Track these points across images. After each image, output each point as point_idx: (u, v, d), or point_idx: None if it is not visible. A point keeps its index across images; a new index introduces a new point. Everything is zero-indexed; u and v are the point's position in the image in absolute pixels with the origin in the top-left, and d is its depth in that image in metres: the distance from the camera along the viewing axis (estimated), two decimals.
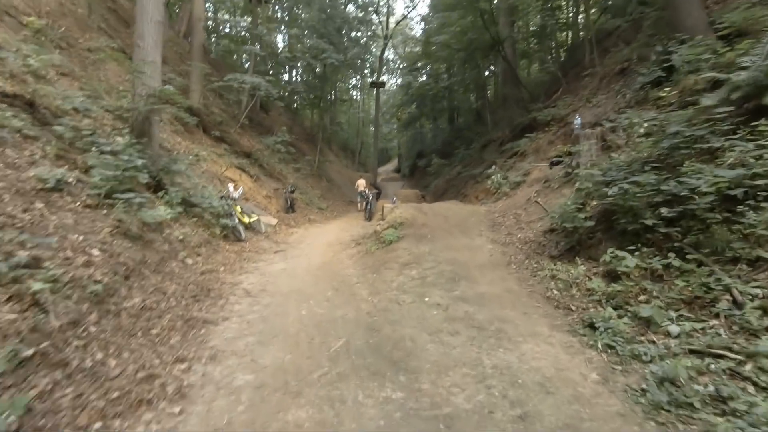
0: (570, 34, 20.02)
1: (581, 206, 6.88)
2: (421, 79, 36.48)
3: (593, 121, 10.05)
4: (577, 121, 9.24)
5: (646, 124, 6.36)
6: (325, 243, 10.28)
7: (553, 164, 9.89)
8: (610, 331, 4.21)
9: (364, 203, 16.18)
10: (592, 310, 4.81)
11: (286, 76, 32.84)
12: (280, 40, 34.31)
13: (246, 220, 9.94)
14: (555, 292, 5.48)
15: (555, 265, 6.19)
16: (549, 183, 9.09)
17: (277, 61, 25.23)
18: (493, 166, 10.88)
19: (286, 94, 30.68)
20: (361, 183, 16.37)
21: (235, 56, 30.71)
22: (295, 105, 36.43)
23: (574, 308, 4.96)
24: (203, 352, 3.82)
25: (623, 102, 9.56)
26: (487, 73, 25.38)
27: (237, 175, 14.00)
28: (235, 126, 18.26)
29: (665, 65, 8.41)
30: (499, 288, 5.79)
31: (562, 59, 16.78)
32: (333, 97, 37.96)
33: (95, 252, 4.43)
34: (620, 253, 5.11)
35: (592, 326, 4.45)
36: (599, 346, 4.08)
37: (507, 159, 12.54)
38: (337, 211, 19.69)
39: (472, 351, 4.09)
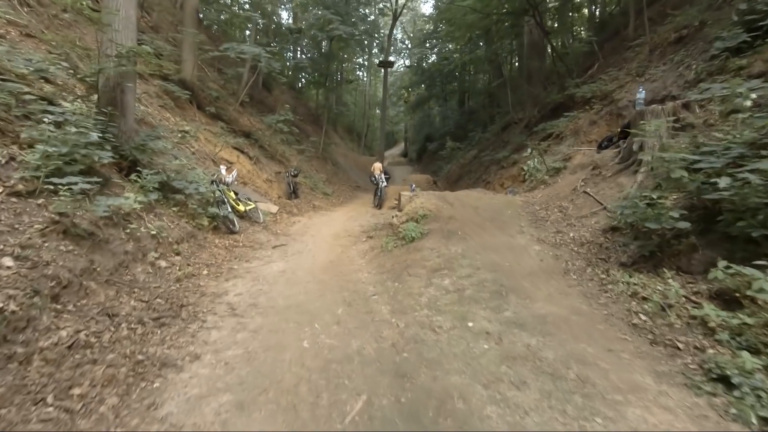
0: (602, 2, 18.16)
1: (653, 200, 5.44)
2: (431, 59, 34.68)
3: (650, 97, 8.50)
4: (640, 95, 7.70)
5: (754, 95, 4.87)
6: (331, 235, 8.92)
7: (601, 147, 8.40)
8: (761, 394, 2.83)
9: (375, 189, 14.77)
10: (711, 351, 3.42)
11: (290, 55, 31.17)
12: (285, 16, 32.51)
13: (241, 208, 8.57)
14: (643, 317, 4.09)
15: (631, 277, 4.79)
16: (599, 170, 7.62)
17: (280, 32, 23.52)
18: (529, 150, 9.41)
19: (290, 72, 29.04)
20: (377, 167, 14.93)
21: (237, 32, 28.96)
22: (300, 85, 34.80)
23: (681, 346, 3.57)
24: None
25: (691, 74, 7.98)
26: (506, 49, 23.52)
27: (234, 156, 12.59)
28: (235, 103, 16.76)
29: (753, 26, 6.83)
30: (563, 307, 4.41)
31: (594, 32, 15.01)
32: (339, 77, 36.24)
33: (7, 262, 3.07)
34: (744, 270, 3.69)
35: (724, 380, 3.07)
36: (752, 418, 2.70)
37: (539, 142, 11.02)
38: (344, 197, 18.30)
39: (554, 421, 2.73)
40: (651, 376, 3.24)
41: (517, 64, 23.27)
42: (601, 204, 6.78)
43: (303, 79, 33.52)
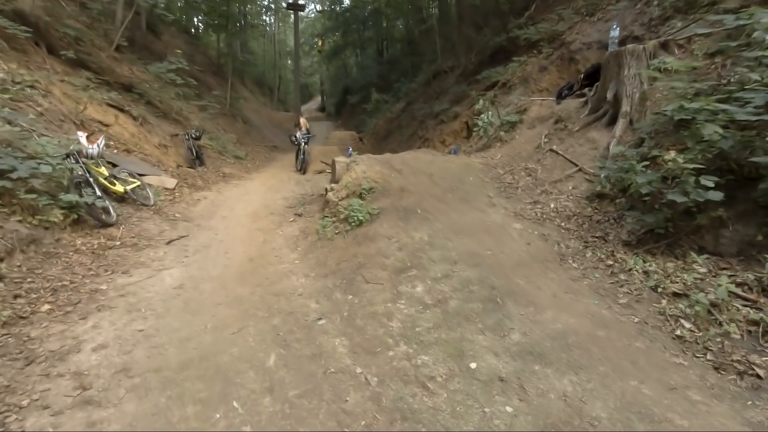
0: None
1: (650, 161, 4.48)
2: (345, 2, 31.74)
3: (605, 39, 7.55)
4: (614, 33, 6.66)
5: None
6: (248, 215, 7.06)
7: (561, 97, 7.39)
8: None
9: (296, 151, 12.78)
10: None
11: None
12: None
13: (118, 188, 6.27)
14: (686, 325, 3.08)
15: (645, 262, 3.80)
16: (563, 123, 6.60)
17: None
18: (480, 101, 8.17)
19: (183, 16, 24.55)
20: (303, 123, 12.85)
21: None
22: (197, 29, 30.01)
23: (762, 373, 2.59)
24: None
25: (655, 11, 7.09)
26: None
27: (110, 116, 9.70)
28: (108, 48, 13.22)
29: None
30: (579, 316, 3.27)
31: None
32: (243, 21, 31.80)
33: None
34: None
35: None
36: None
37: (483, 92, 9.84)
38: (260, 160, 15.91)
39: None
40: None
41: (436, 10, 21.62)
42: (575, 164, 5.77)
43: (200, 23, 28.86)
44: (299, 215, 6.79)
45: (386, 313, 3.30)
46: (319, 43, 38.57)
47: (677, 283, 3.44)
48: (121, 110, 10.47)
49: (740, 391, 2.52)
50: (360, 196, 5.50)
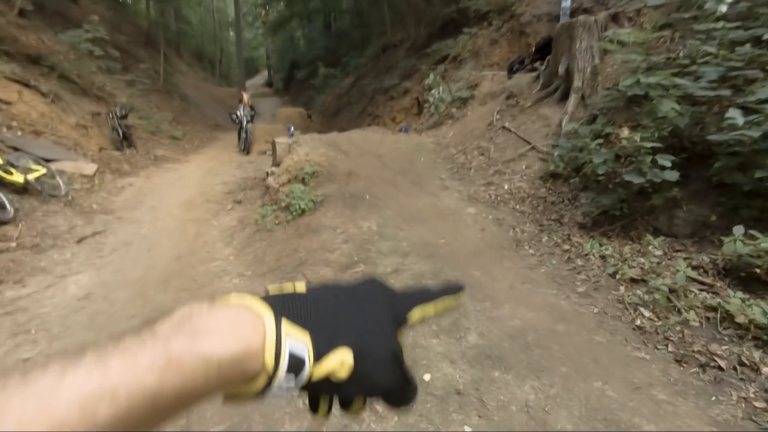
0: None
1: (603, 138, 4.34)
2: None
3: (555, 11, 7.36)
4: (566, 3, 6.42)
5: None
6: (181, 203, 6.37)
7: (512, 71, 7.14)
8: None
9: (239, 130, 11.88)
10: (767, 369, 2.39)
11: None
12: None
13: (16, 178, 5.36)
14: (646, 314, 2.94)
15: (601, 246, 3.65)
16: (515, 99, 6.37)
17: None
18: (431, 76, 7.75)
19: None
20: (247, 99, 11.89)
21: None
22: None
23: (723, 364, 2.47)
24: None
25: None
26: None
27: (13, 92, 8.44)
28: (9, 12, 11.48)
29: None
30: (537, 309, 3.06)
31: None
32: None
33: None
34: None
35: None
36: None
37: (434, 66, 9.43)
38: (200, 140, 14.70)
39: None
40: None
41: None
42: (528, 142, 5.58)
43: None
44: (238, 202, 6.20)
45: None
46: (263, 14, 36.32)
47: (634, 268, 3.31)
48: (26, 85, 9.13)
49: (703, 386, 2.39)
50: (303, 182, 5.01)
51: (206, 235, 4.96)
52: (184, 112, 18.66)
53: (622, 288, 3.21)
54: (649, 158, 3.41)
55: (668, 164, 3.30)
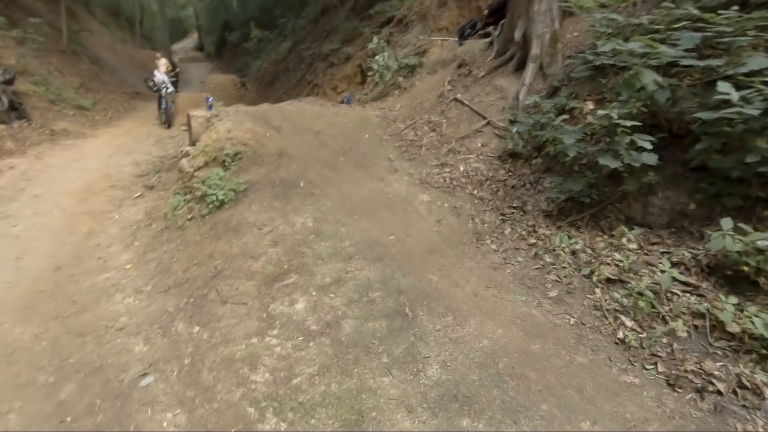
0: None
1: (568, 113, 3.88)
2: None
3: None
4: None
5: None
6: (77, 190, 5.23)
7: (463, 37, 6.50)
8: None
9: (158, 98, 10.40)
10: None
11: None
12: None
13: None
14: (628, 324, 2.54)
15: (570, 239, 3.22)
16: (468, 68, 5.76)
17: None
18: (374, 40, 6.89)
19: None
20: (163, 63, 10.26)
21: None
22: None
23: (721, 387, 2.11)
24: None
25: None
26: None
27: None
28: None
29: None
30: (507, 324, 2.57)
31: None
32: None
33: None
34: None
35: None
36: None
37: (378, 29, 8.55)
38: (114, 110, 12.76)
39: None
40: None
41: None
42: (483, 117, 5.03)
43: None
44: (150, 188, 5.20)
45: (249, 356, 2.22)
46: None
47: (610, 266, 2.90)
48: None
49: (703, 417, 2.01)
50: (223, 165, 4.14)
51: (101, 233, 3.99)
52: (95, 77, 16.25)
53: (598, 291, 2.79)
54: (626, 138, 2.95)
55: (648, 146, 2.86)
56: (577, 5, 3.96)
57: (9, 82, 8.81)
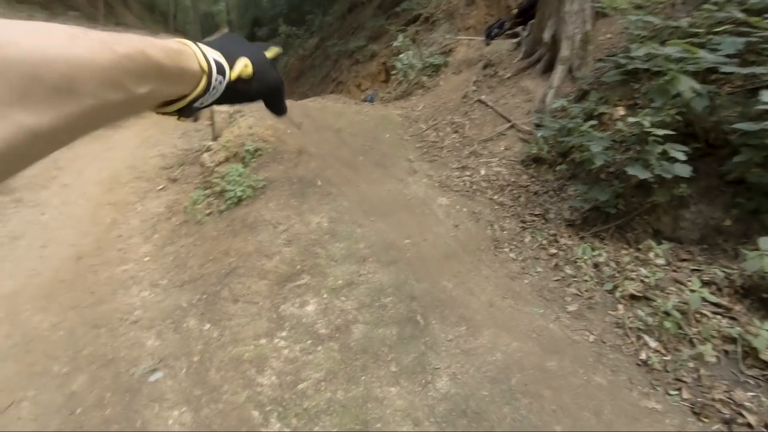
0: None
1: (596, 119, 3.72)
2: None
3: None
4: None
5: None
6: (103, 181, 5.35)
7: (490, 37, 6.35)
8: None
9: None
10: None
11: None
12: None
13: None
14: (652, 344, 2.41)
15: (593, 250, 3.08)
16: (494, 68, 5.63)
17: None
18: (399, 38, 6.81)
19: None
20: None
21: None
22: None
23: (752, 420, 1.97)
24: None
25: None
26: None
27: None
28: None
29: None
30: (522, 336, 2.47)
31: None
32: None
33: None
34: None
35: None
36: None
37: (404, 27, 8.46)
38: None
39: None
40: None
41: None
42: (507, 119, 4.90)
43: None
44: (173, 181, 5.26)
45: (257, 358, 2.21)
46: None
47: (634, 281, 2.76)
48: None
49: None
50: (243, 161, 4.16)
51: (123, 224, 4.06)
52: None
53: (621, 307, 2.66)
54: (658, 148, 2.80)
55: (681, 156, 2.71)
56: (611, 6, 3.78)
57: None
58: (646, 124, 2.81)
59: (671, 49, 2.82)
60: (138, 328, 2.54)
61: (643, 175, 2.82)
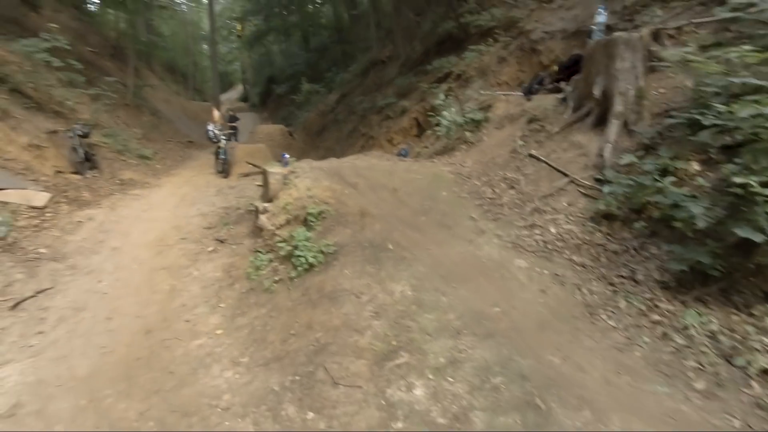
0: None
1: (672, 175, 3.63)
2: None
3: (572, 27, 6.77)
4: (600, 18, 5.78)
5: None
6: (151, 243, 5.31)
7: (530, 92, 6.48)
8: None
9: (216, 150, 10.78)
10: None
11: None
12: None
13: None
14: None
15: (701, 316, 2.88)
16: (540, 123, 5.68)
17: None
18: (441, 96, 6.99)
19: None
20: (216, 116, 10.79)
21: None
22: (89, 5, 25.73)
23: None
24: None
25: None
26: None
27: None
28: None
29: None
30: (659, 423, 2.23)
31: None
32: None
33: None
34: None
35: None
36: None
37: (434, 84, 8.73)
38: (172, 160, 13.41)
39: None
40: None
41: None
42: (564, 174, 4.84)
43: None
44: (221, 242, 5.20)
45: None
46: (239, 28, 35.50)
47: (761, 352, 2.53)
48: None
49: None
50: (305, 223, 4.08)
51: (184, 291, 3.94)
52: (154, 128, 17.34)
53: (755, 384, 2.42)
54: (767, 208, 2.68)
55: None
56: (706, 71, 3.75)
57: (86, 135, 9.35)
58: (754, 184, 2.70)
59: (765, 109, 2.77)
60: (231, 416, 2.34)
61: (756, 237, 2.67)
